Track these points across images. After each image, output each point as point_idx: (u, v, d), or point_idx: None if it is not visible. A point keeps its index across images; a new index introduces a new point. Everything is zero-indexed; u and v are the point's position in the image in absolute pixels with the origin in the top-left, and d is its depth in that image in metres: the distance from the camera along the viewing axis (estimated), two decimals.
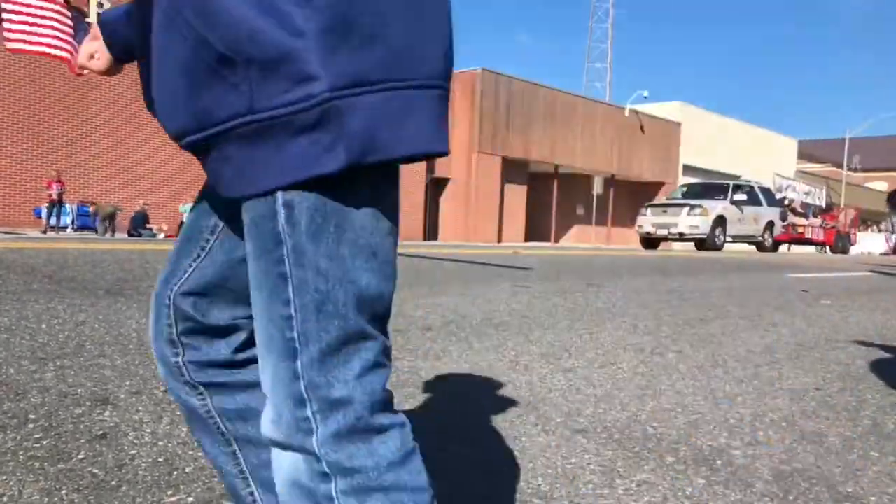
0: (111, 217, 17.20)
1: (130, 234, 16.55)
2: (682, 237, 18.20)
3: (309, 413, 0.62)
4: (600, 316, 3.94)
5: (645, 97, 32.14)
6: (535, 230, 30.36)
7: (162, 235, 17.38)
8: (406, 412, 1.91)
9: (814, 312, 4.82)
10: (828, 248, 25.33)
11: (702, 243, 17.92)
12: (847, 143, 42.04)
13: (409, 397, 2.04)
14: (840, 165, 45.37)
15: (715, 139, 35.91)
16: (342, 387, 0.62)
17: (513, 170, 27.80)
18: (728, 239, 18.60)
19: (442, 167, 26.49)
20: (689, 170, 33.70)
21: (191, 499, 1.29)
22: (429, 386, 2.18)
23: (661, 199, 22.70)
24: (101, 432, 1.60)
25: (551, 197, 30.27)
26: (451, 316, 3.56)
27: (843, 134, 42.52)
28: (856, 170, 49.02)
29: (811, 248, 25.90)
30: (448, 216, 27.12)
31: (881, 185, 50.01)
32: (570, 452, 1.68)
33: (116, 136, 18.55)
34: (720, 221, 18.16)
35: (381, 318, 0.66)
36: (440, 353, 2.65)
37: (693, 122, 35.15)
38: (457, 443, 1.69)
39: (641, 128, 32.82)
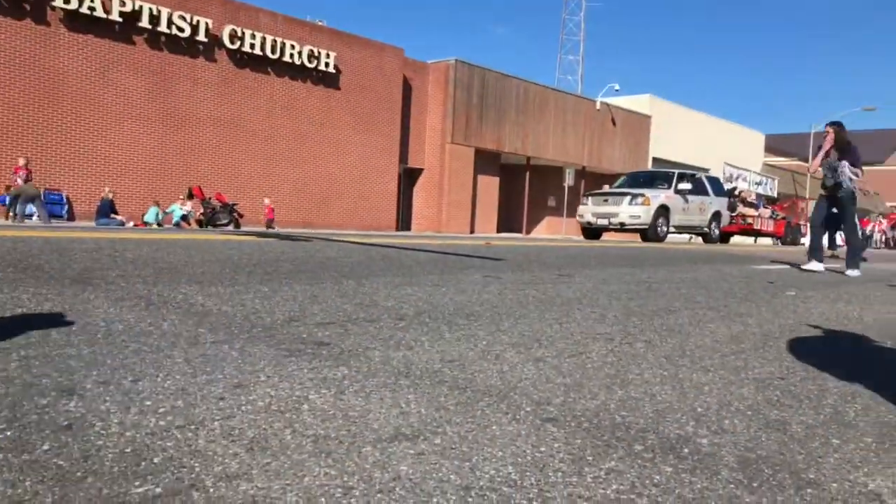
0: (31, 199, 16.11)
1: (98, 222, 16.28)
2: (623, 227, 17.64)
3: None
4: (570, 306, 3.97)
5: (616, 90, 32.41)
6: (508, 221, 30.47)
7: (132, 224, 17.14)
8: (377, 402, 1.92)
9: (779, 303, 4.91)
10: (778, 239, 24.96)
11: (645, 234, 17.46)
12: (812, 138, 42.75)
13: (381, 387, 2.04)
14: (806, 159, 46.13)
15: (684, 132, 36.30)
16: None
17: (485, 161, 27.84)
18: (671, 229, 18.22)
19: (415, 158, 26.45)
20: (658, 162, 34.06)
21: (159, 489, 1.28)
22: (401, 376, 2.18)
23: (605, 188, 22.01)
24: (66, 423, 1.58)
25: (523, 188, 30.40)
26: (424, 306, 3.57)
27: (808, 129, 43.23)
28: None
29: (769, 241, 25.62)
30: (421, 207, 27.11)
31: None
32: (539, 441, 1.69)
33: (86, 124, 18.21)
34: (663, 211, 17.68)
35: None
36: (412, 343, 2.66)
37: (663, 116, 35.48)
38: (429, 431, 1.69)
39: (612, 120, 33.03)
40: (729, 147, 38.53)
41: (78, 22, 17.73)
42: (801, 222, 27.29)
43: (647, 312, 3.95)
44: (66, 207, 17.66)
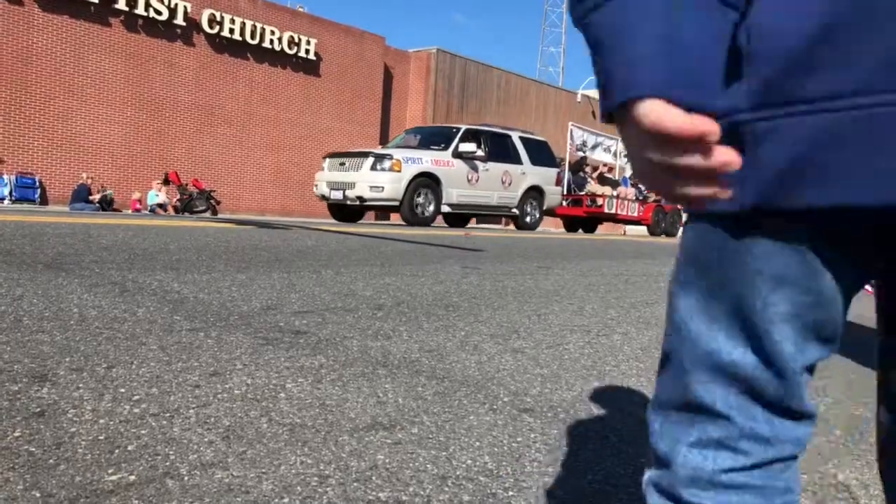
0: None
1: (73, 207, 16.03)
2: (363, 203, 11.87)
3: None
4: (548, 298, 3.99)
5: None
6: None
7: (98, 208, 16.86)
8: (354, 391, 1.91)
9: None
10: (646, 227, 17.89)
11: (414, 215, 11.77)
12: None
13: (359, 376, 2.03)
14: None
15: None
16: None
17: None
18: (445, 208, 12.35)
19: None
20: None
21: (132, 477, 1.27)
22: (378, 365, 2.18)
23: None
24: (38, 410, 1.56)
25: None
26: (402, 296, 3.56)
27: None
28: None
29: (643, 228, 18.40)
30: None
31: None
32: (516, 431, 1.70)
33: (56, 106, 17.89)
34: (428, 182, 11.79)
35: None
36: (390, 333, 2.65)
37: None
38: (406, 421, 1.69)
39: (593, 113, 33.08)
40: None
41: (52, 2, 17.40)
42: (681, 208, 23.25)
43: (624, 305, 3.98)
44: (38, 191, 17.36)
